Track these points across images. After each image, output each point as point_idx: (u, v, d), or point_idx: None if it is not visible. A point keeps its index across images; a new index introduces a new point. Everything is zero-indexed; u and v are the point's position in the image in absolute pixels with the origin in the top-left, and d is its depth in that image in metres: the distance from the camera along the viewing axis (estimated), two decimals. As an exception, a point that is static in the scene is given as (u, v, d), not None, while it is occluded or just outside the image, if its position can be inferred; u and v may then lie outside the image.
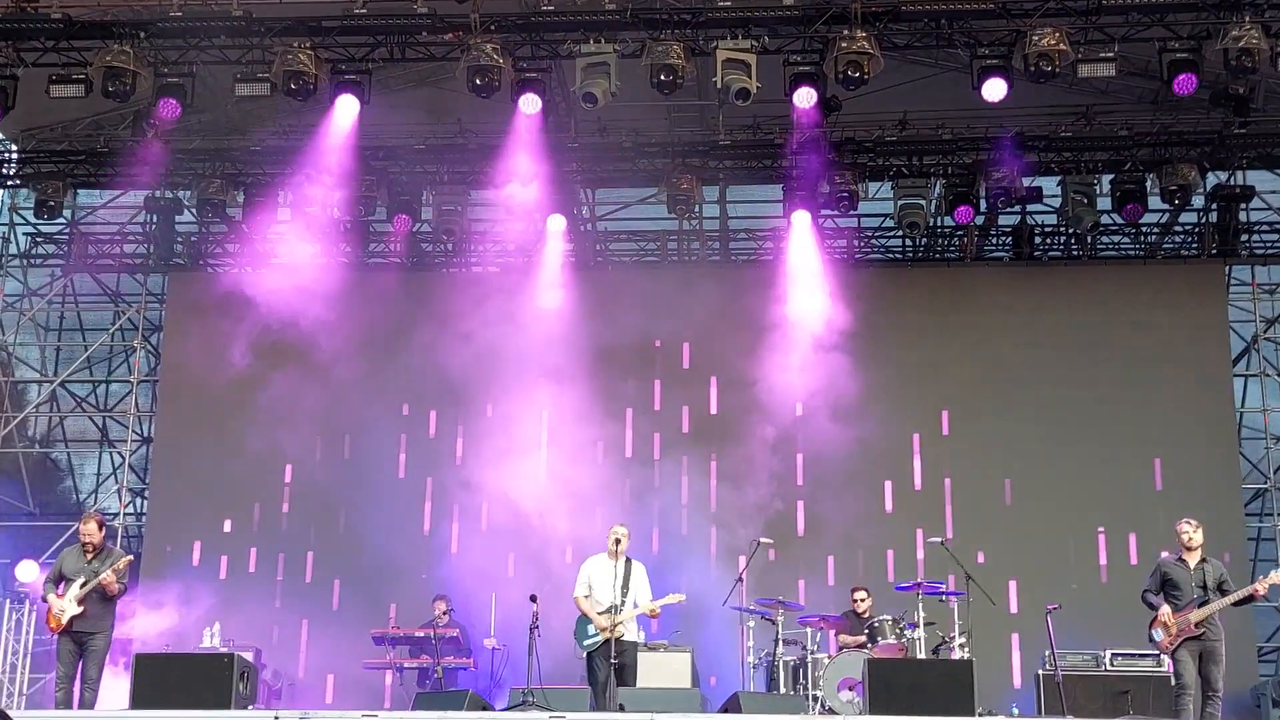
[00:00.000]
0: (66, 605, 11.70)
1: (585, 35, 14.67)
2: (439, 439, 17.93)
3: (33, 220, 18.75)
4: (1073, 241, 18.45)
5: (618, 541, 12.42)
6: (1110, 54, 14.40)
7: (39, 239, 19.27)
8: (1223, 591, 11.56)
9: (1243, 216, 18.14)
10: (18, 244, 19.26)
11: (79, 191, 18.54)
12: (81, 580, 11.76)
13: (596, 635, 12.17)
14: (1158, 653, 12.34)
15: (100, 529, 12.05)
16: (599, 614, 12.22)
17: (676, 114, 17.20)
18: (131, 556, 12.42)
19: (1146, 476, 17.37)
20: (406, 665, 15.12)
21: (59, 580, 11.90)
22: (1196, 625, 11.43)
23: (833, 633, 14.45)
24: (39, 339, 19.56)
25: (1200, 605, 11.47)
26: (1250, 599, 11.74)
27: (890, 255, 18.86)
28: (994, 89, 14.50)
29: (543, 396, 17.53)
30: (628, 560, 12.42)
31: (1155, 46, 14.57)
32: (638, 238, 19.17)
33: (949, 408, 17.76)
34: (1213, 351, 17.86)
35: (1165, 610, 11.51)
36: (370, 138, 16.71)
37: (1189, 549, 11.69)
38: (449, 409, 17.84)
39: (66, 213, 18.50)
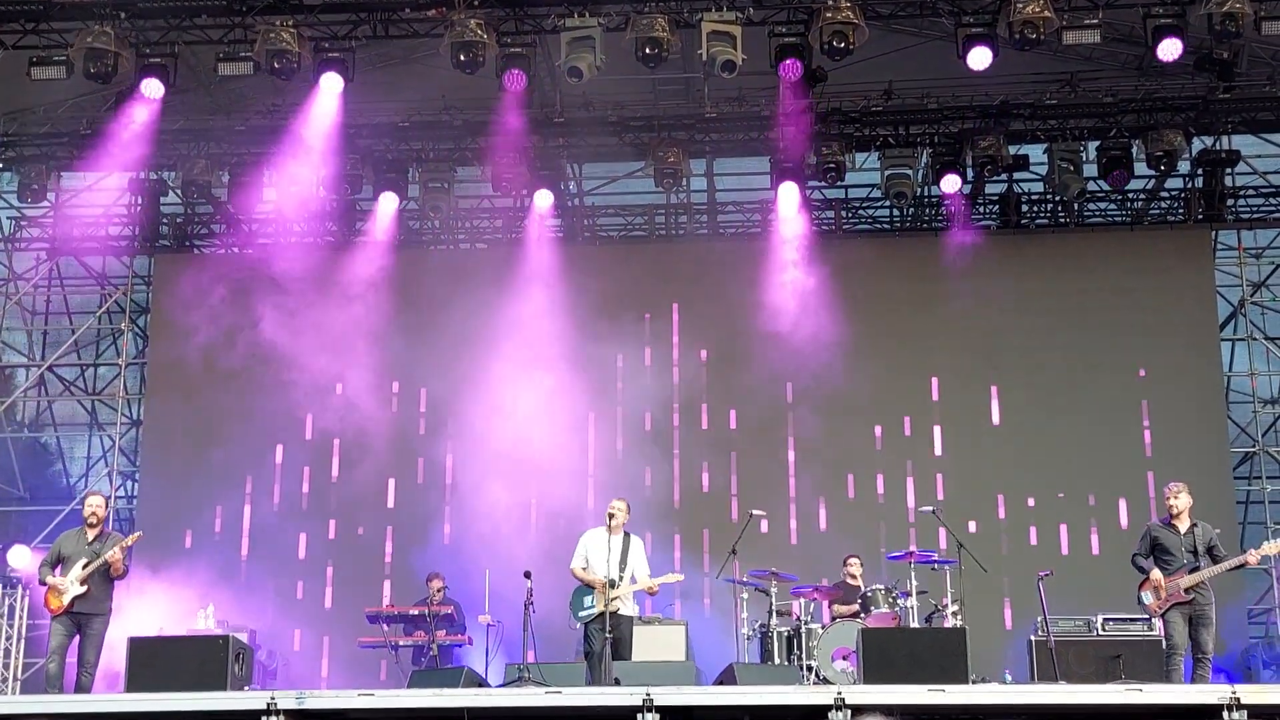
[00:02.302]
0: (69, 585, 11.70)
1: (569, 9, 14.61)
2: (430, 415, 17.92)
3: (16, 204, 18.70)
4: (1059, 209, 18.46)
5: (611, 515, 12.42)
6: (1094, 20, 14.37)
7: (23, 222, 19.18)
8: (1213, 555, 11.60)
9: (1228, 181, 18.20)
10: (2, 228, 19.18)
11: (62, 174, 18.44)
12: (84, 560, 11.75)
13: (592, 608, 12.18)
14: (1148, 617, 12.39)
15: (105, 505, 12.09)
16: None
17: (662, 87, 17.13)
18: (140, 533, 12.48)
19: (1135, 442, 17.44)
20: (401, 643, 15.09)
21: (56, 563, 11.89)
22: (1187, 591, 11.46)
23: (826, 603, 14.49)
24: (25, 323, 19.47)
25: (1191, 571, 11.51)
26: (1241, 566, 11.81)
27: (878, 225, 18.85)
28: (979, 57, 14.49)
29: (533, 371, 17.52)
30: (625, 535, 12.43)
31: (1139, 12, 14.57)
32: (625, 212, 19.12)
33: (938, 376, 17.79)
34: (1200, 316, 17.90)
35: (1157, 573, 11.53)
36: (354, 116, 16.65)
37: (1174, 515, 11.73)
38: (439, 385, 17.78)
39: (50, 196, 18.39)
